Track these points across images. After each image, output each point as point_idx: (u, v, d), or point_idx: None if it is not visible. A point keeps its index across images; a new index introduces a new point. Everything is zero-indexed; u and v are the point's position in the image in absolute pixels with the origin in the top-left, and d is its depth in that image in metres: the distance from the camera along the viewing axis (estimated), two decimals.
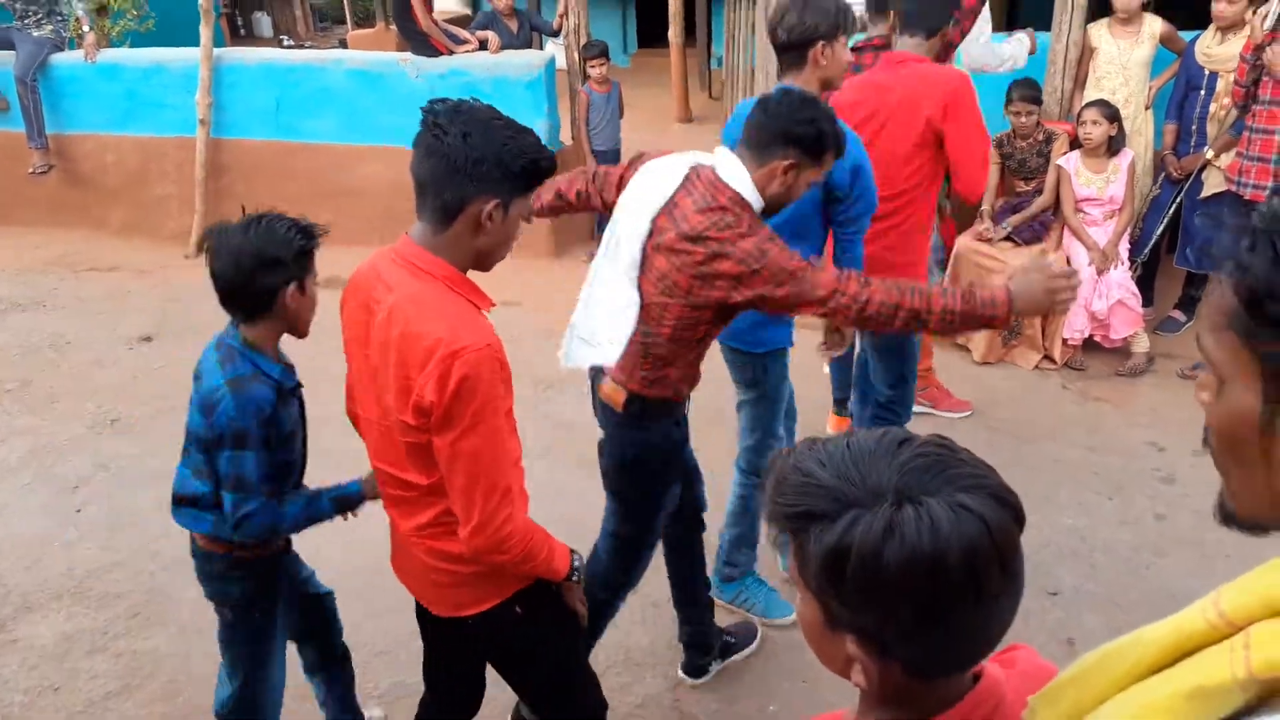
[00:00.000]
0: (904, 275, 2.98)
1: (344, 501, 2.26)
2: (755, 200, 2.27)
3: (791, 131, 2.24)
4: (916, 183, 3.22)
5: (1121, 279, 4.87)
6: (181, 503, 2.20)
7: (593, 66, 6.64)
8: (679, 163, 2.34)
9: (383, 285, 1.79)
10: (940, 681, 1.00)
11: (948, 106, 3.09)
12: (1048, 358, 5.03)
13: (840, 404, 4.32)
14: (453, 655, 2.28)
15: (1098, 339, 4.99)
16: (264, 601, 2.30)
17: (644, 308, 2.29)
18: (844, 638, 0.97)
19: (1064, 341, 4.97)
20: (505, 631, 2.02)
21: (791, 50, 2.76)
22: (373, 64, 6.90)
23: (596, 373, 2.50)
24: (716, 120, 9.88)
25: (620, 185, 2.47)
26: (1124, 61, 5.23)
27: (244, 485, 2.06)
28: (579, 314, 2.42)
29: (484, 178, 1.69)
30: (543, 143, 1.78)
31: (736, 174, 2.26)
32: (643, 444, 2.48)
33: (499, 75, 6.56)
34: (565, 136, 7.03)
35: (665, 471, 2.54)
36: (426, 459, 1.79)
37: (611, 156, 6.87)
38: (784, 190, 2.30)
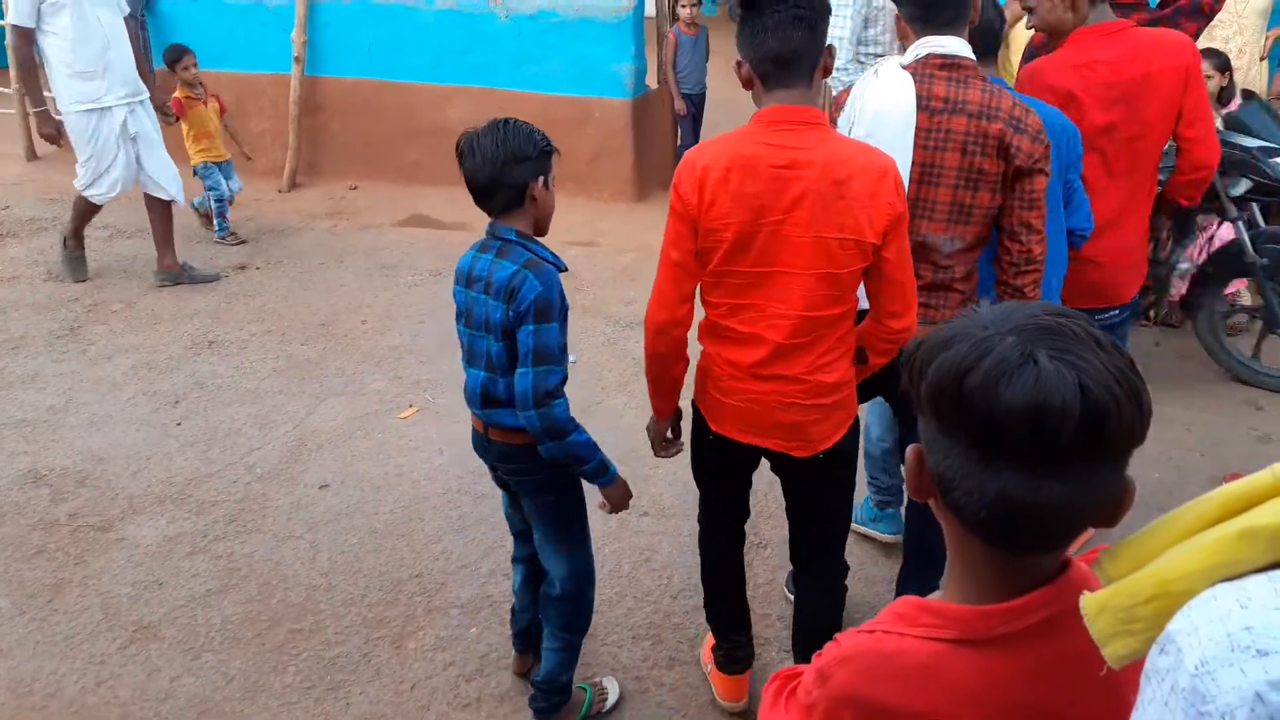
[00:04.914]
0: None
1: (604, 468, 2.28)
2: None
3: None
4: None
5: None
6: (492, 404, 2.24)
7: (683, 7, 6.59)
8: (893, 73, 2.30)
9: (784, 150, 1.96)
10: (1018, 562, 0.98)
11: None
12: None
13: None
14: (814, 488, 2.34)
15: None
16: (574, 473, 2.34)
17: (938, 222, 2.33)
18: (933, 490, 0.98)
19: None
20: (848, 455, 2.26)
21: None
22: (463, 4, 6.93)
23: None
24: None
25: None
26: (1239, 10, 5.00)
27: (547, 356, 2.11)
28: None
29: (824, 35, 2.00)
30: None
31: (964, 48, 2.29)
32: None
33: (587, 16, 6.54)
34: (652, 80, 6.99)
35: None
36: (852, 284, 2.04)
37: (698, 100, 6.82)
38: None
